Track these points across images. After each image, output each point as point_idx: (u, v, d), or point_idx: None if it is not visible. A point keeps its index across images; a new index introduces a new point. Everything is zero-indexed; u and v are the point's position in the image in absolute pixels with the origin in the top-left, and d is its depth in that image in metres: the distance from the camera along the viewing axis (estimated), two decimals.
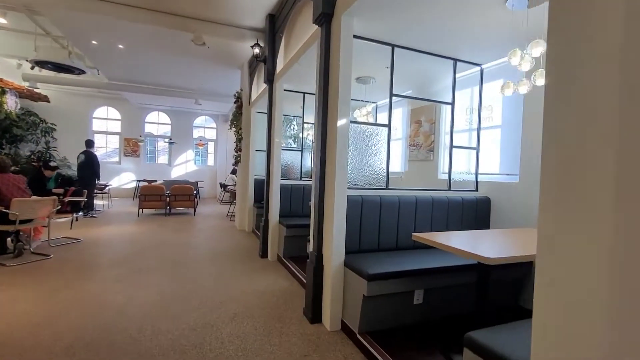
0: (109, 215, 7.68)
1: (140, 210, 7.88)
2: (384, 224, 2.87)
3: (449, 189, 3.24)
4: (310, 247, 2.86)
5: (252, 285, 3.42)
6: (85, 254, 4.37)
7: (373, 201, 2.82)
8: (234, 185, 11.09)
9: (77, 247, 4.69)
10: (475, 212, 3.26)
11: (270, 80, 4.50)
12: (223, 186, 11.36)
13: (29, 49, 6.55)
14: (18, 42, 7.08)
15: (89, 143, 8.08)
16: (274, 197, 4.37)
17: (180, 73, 7.66)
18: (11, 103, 8.94)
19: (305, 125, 5.77)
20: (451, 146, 3.21)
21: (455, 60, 3.27)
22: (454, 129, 3.19)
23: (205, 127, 13.31)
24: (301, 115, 5.78)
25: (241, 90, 6.58)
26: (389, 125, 2.86)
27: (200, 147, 12.38)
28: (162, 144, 12.79)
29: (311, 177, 5.83)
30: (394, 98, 2.90)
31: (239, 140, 6.52)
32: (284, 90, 4.48)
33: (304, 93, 4.72)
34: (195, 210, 8.29)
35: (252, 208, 6.29)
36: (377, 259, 2.56)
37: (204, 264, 4.13)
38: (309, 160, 5.53)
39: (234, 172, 11.53)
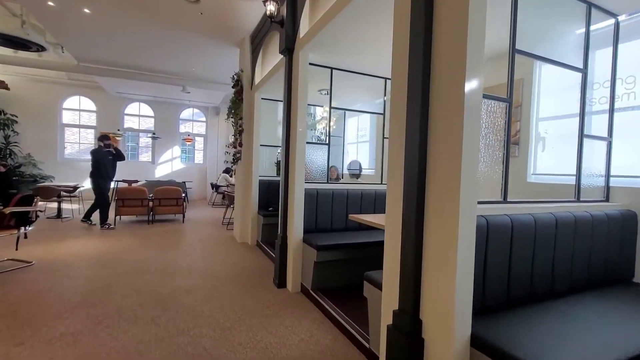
0: (78, 224, 6.34)
1: (118, 217, 6.57)
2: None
3: (578, 200, 2.15)
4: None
5: (276, 340, 2.27)
6: (30, 288, 3.11)
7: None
8: (227, 186, 9.83)
9: (22, 276, 3.42)
10: (607, 235, 2.10)
11: (289, 49, 3.33)
12: (215, 187, 10.09)
13: None
14: None
15: (99, 139, 6.45)
16: (297, 206, 3.22)
17: (165, 52, 6.36)
18: None
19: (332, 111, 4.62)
20: (581, 135, 2.12)
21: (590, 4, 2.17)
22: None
23: (194, 121, 11.96)
24: (318, 102, 4.63)
25: (241, 71, 5.36)
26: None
27: (188, 143, 11.05)
28: (144, 140, 11.38)
29: (336, 179, 4.71)
30: None
31: (238, 133, 5.31)
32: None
33: (332, 68, 3.59)
34: (184, 217, 7.02)
35: (257, 216, 5.11)
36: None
37: (202, 301, 2.94)
38: (340, 160, 4.35)
39: (226, 171, 10.27)
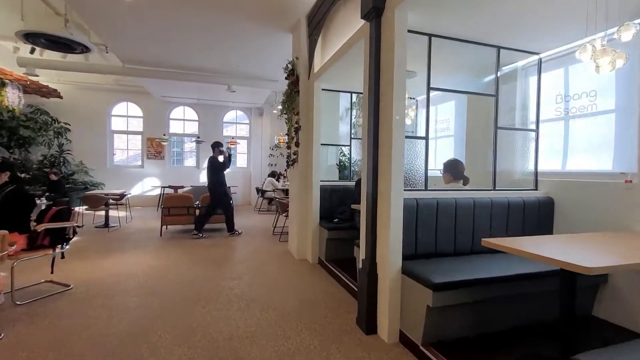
0: (124, 234, 5.95)
1: (164, 227, 6.12)
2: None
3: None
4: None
5: None
6: (60, 324, 2.52)
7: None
8: (274, 190, 9.20)
9: (55, 305, 2.87)
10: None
11: (376, 9, 2.44)
12: (260, 192, 9.51)
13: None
14: (10, 17, 5.50)
15: (214, 145, 6.20)
16: (393, 223, 2.33)
17: (209, 47, 5.80)
18: (13, 98, 7.47)
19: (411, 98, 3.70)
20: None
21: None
22: None
23: (237, 123, 11.54)
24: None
25: (296, 59, 4.59)
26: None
27: (232, 146, 10.62)
28: (188, 145, 11.15)
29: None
30: None
31: (294, 130, 4.53)
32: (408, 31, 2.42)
33: (430, 35, 2.64)
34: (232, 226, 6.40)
35: (318, 229, 4.30)
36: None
37: (271, 355, 2.14)
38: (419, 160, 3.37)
39: (272, 174, 9.65)
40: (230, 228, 6.09)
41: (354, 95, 4.78)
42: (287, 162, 4.95)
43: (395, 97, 2.32)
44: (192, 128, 11.18)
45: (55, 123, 9.10)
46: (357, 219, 3.93)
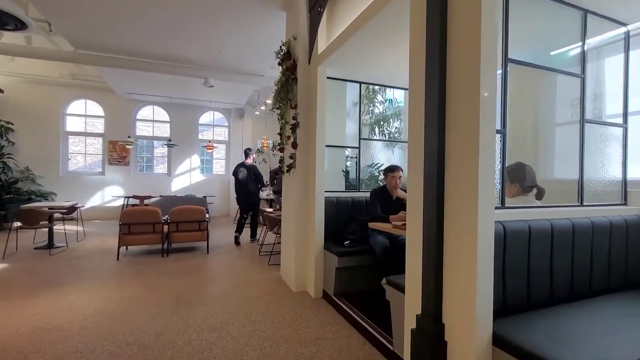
0: (70, 258, 4.73)
1: (123, 248, 4.96)
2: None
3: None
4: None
5: None
6: None
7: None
8: (265, 198, 8.16)
9: None
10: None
11: None
12: None
13: None
14: None
15: (246, 152, 6.52)
16: (481, 260, 1.44)
17: (184, 29, 4.79)
18: None
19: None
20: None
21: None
22: None
23: (214, 126, 10.43)
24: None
25: (293, 38, 3.68)
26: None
27: (210, 151, 9.50)
28: (159, 150, 9.90)
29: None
30: None
31: (292, 128, 3.59)
32: None
33: None
34: (208, 246, 5.32)
35: (323, 254, 3.36)
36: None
37: None
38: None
39: None
40: (254, 234, 6.27)
41: (363, 87, 3.93)
42: (280, 167, 4.00)
43: (483, 65, 1.45)
44: (163, 130, 9.95)
45: None
46: (377, 240, 3.04)
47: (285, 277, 3.86)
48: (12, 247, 5.10)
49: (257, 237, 6.09)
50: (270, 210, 5.72)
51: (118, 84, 7.83)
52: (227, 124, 10.47)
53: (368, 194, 3.71)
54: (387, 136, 4.34)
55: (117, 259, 4.73)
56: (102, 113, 9.07)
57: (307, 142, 3.55)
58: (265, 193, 8.35)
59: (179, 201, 6.57)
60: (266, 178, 9.53)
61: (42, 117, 8.40)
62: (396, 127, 4.37)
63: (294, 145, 3.54)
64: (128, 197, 8.18)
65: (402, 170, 3.29)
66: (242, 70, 6.46)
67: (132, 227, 4.78)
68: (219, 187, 10.11)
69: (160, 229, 4.95)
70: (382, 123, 4.20)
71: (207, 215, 5.26)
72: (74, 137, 8.98)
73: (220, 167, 10.56)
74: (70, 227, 6.69)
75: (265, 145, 8.69)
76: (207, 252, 5.22)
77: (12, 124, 7.89)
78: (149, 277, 3.91)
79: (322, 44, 3.40)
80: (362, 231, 3.41)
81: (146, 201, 7.97)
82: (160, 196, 7.93)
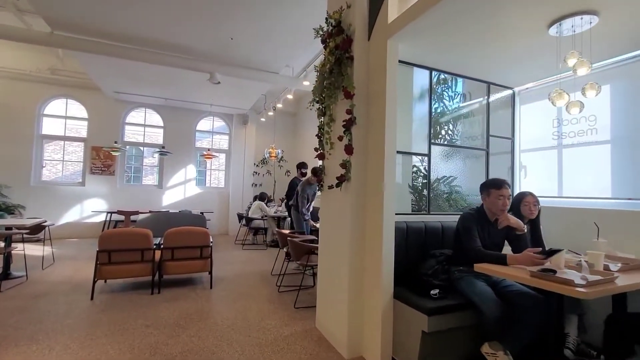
0: (28, 296, 3.52)
1: (102, 281, 3.80)
2: None
3: None
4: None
5: None
6: None
7: None
8: (263, 217, 7.06)
9: None
10: None
11: None
12: (245, 219, 7.30)
13: None
14: None
15: (299, 166, 6.14)
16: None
17: (188, 10, 3.82)
18: None
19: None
20: None
21: None
22: None
23: (214, 132, 9.37)
24: None
25: (346, 6, 2.72)
26: None
27: (208, 160, 8.42)
28: (149, 160, 8.75)
29: None
30: None
31: (345, 126, 2.58)
32: None
33: None
34: (211, 278, 4.18)
35: (391, 304, 2.32)
36: None
37: None
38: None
39: (261, 197, 7.52)
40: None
41: (434, 76, 2.98)
42: (318, 179, 2.98)
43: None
44: (155, 138, 8.84)
45: None
46: (481, 291, 2.04)
47: (327, 333, 2.77)
48: None
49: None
50: (288, 232, 4.65)
51: (105, 80, 6.76)
52: (228, 132, 9.43)
53: (441, 218, 2.72)
54: (450, 140, 3.38)
55: (92, 297, 3.56)
56: (85, 115, 7.93)
57: (364, 145, 2.56)
58: (273, 210, 7.28)
59: (173, 219, 5.42)
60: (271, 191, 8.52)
61: (13, 117, 7.21)
62: (462, 130, 3.42)
63: (349, 150, 2.53)
64: (111, 213, 6.98)
65: (509, 186, 2.30)
66: (255, 64, 5.50)
67: (113, 254, 3.64)
68: (216, 201, 8.97)
69: (151, 257, 3.81)
70: (452, 124, 3.24)
71: (210, 239, 4.16)
72: (51, 142, 7.79)
73: (217, 178, 9.45)
74: (36, 250, 5.45)
75: (274, 155, 7.66)
76: (211, 287, 4.08)
77: None
78: (134, 333, 2.76)
79: (392, 12, 2.46)
80: (443, 271, 2.40)
81: (133, 217, 6.79)
82: (150, 212, 6.75)
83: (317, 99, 2.91)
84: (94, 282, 3.62)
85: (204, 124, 9.20)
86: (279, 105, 7.41)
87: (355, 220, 2.52)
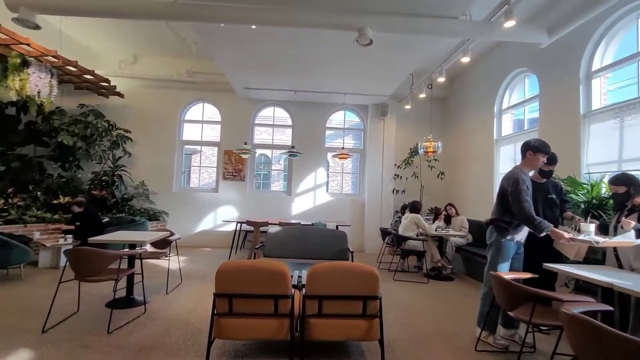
0: (134, 342, 2.48)
1: (218, 340, 2.49)
2: None
3: None
4: None
5: None
6: None
7: None
8: (419, 235, 5.07)
9: None
10: None
11: None
12: (393, 237, 5.43)
13: None
14: None
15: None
16: None
17: None
18: (42, 85, 5.13)
19: None
20: None
21: None
22: None
23: (346, 129, 7.97)
24: None
25: None
26: None
27: (343, 160, 7.00)
28: (276, 167, 7.93)
29: None
30: None
31: None
32: None
33: None
34: (383, 349, 2.43)
35: None
36: None
37: None
38: None
39: (413, 208, 5.49)
40: None
41: None
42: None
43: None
44: (283, 137, 8.01)
45: (112, 129, 6.77)
46: None
47: None
48: (74, 299, 3.26)
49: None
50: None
51: (236, 73, 6.07)
52: (362, 127, 7.87)
53: None
54: None
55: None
56: (218, 118, 7.59)
57: None
58: (435, 226, 5.21)
59: (310, 236, 4.00)
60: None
61: (159, 124, 7.32)
62: None
63: None
64: (241, 223, 6.19)
65: None
66: (424, 9, 3.62)
67: (235, 303, 2.27)
68: (349, 212, 7.46)
69: (288, 309, 2.31)
70: None
71: (379, 286, 2.42)
72: (189, 149, 7.70)
73: (351, 184, 7.98)
74: (166, 263, 4.85)
75: (431, 150, 5.60)
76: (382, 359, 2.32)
77: (130, 132, 6.92)
78: None
79: None
80: None
81: (262, 228, 5.82)
82: (279, 223, 5.63)
83: None
84: (210, 343, 2.32)
85: (336, 117, 7.90)
86: (441, 79, 5.34)
87: None
